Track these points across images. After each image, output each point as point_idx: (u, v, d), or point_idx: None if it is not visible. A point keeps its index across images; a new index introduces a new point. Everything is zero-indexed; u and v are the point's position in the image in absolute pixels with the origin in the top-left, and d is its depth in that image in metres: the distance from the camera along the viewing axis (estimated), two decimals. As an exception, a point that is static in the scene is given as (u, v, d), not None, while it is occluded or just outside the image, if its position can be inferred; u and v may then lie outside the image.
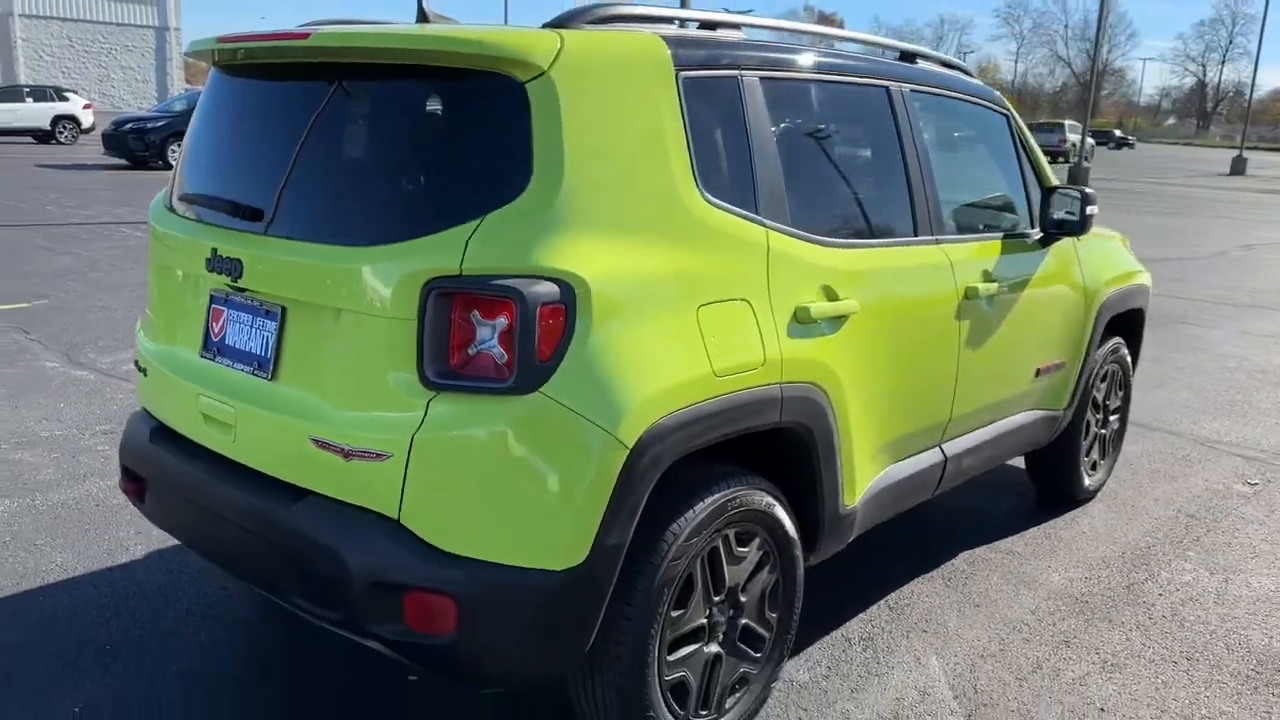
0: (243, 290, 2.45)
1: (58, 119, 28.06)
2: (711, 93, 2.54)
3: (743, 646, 2.68)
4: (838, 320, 2.76)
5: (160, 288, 2.79)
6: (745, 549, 2.63)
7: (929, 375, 3.22)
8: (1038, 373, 3.89)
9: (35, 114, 27.82)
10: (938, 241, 3.27)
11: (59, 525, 3.92)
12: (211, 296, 2.57)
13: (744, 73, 2.63)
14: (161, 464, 2.64)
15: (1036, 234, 3.85)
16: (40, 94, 28.60)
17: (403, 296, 2.13)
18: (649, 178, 2.34)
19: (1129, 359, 4.66)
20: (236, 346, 2.49)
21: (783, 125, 2.77)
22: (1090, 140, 48.66)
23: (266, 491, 2.34)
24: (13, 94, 28.37)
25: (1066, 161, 30.10)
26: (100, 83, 44.93)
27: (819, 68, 2.93)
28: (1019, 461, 4.81)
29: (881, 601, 3.58)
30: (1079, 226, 3.76)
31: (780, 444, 2.73)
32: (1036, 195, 3.89)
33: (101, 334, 6.97)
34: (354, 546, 2.16)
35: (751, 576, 2.68)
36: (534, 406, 2.12)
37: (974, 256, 3.42)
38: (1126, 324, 4.63)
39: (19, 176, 18.26)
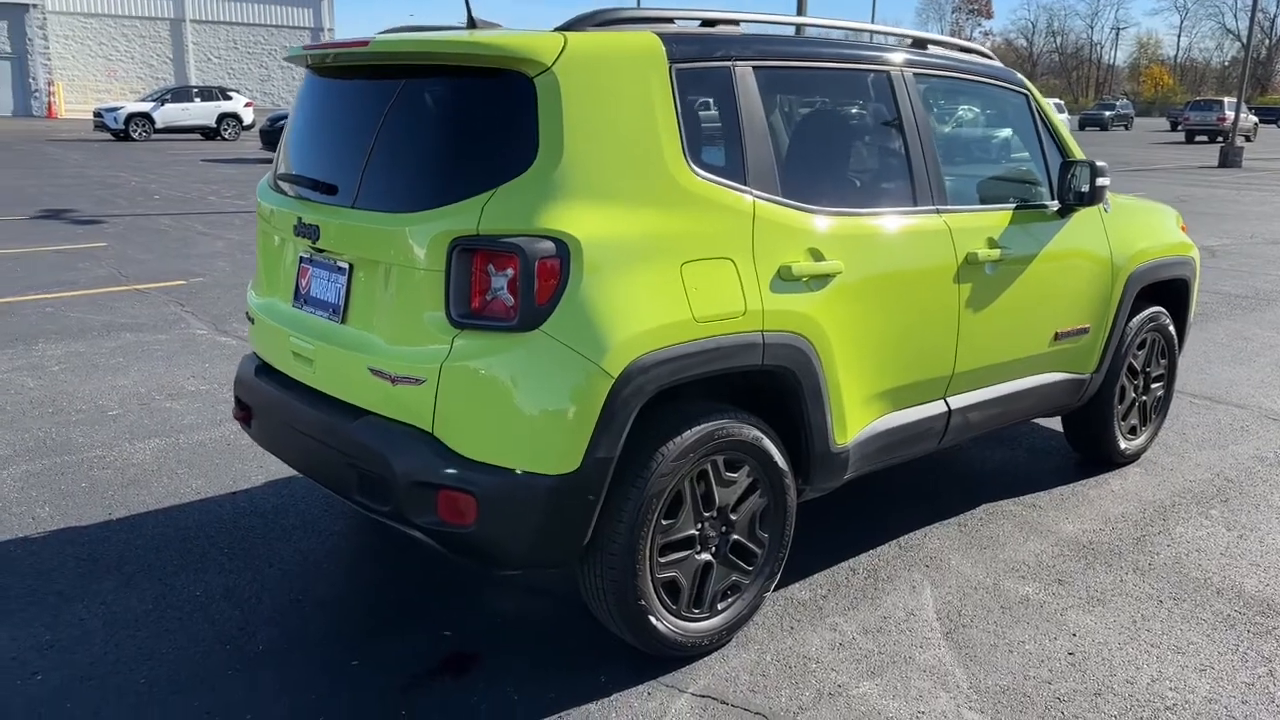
0: (321, 251, 3.03)
1: (222, 116, 30.39)
2: (704, 81, 2.98)
3: (734, 559, 3.11)
4: (823, 279, 3.15)
5: (264, 252, 3.42)
6: (735, 474, 3.06)
7: (926, 333, 3.55)
8: (1057, 336, 4.14)
9: (203, 112, 30.22)
10: (939, 211, 3.60)
11: (196, 459, 4.66)
12: (300, 257, 3.17)
13: (737, 63, 3.05)
14: (263, 394, 3.26)
15: (1055, 205, 4.10)
16: (207, 94, 31.02)
17: (434, 252, 2.66)
18: (640, 155, 2.79)
19: (1171, 328, 4.82)
20: (317, 297, 3.08)
21: (776, 108, 3.17)
22: (1252, 118, 45.93)
23: (336, 411, 2.92)
24: (184, 94, 30.85)
25: (1225, 140, 28.57)
26: (262, 82, 48.09)
27: (813, 56, 3.31)
28: (1059, 425, 5.03)
29: (893, 541, 3.93)
30: (1089, 197, 4.00)
31: (770, 386, 3.15)
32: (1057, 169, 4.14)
33: (245, 307, 7.86)
34: (398, 453, 2.71)
35: (742, 499, 3.10)
36: (535, 342, 2.61)
37: (978, 225, 3.73)
38: (1167, 294, 4.79)
39: (187, 169, 20.01)
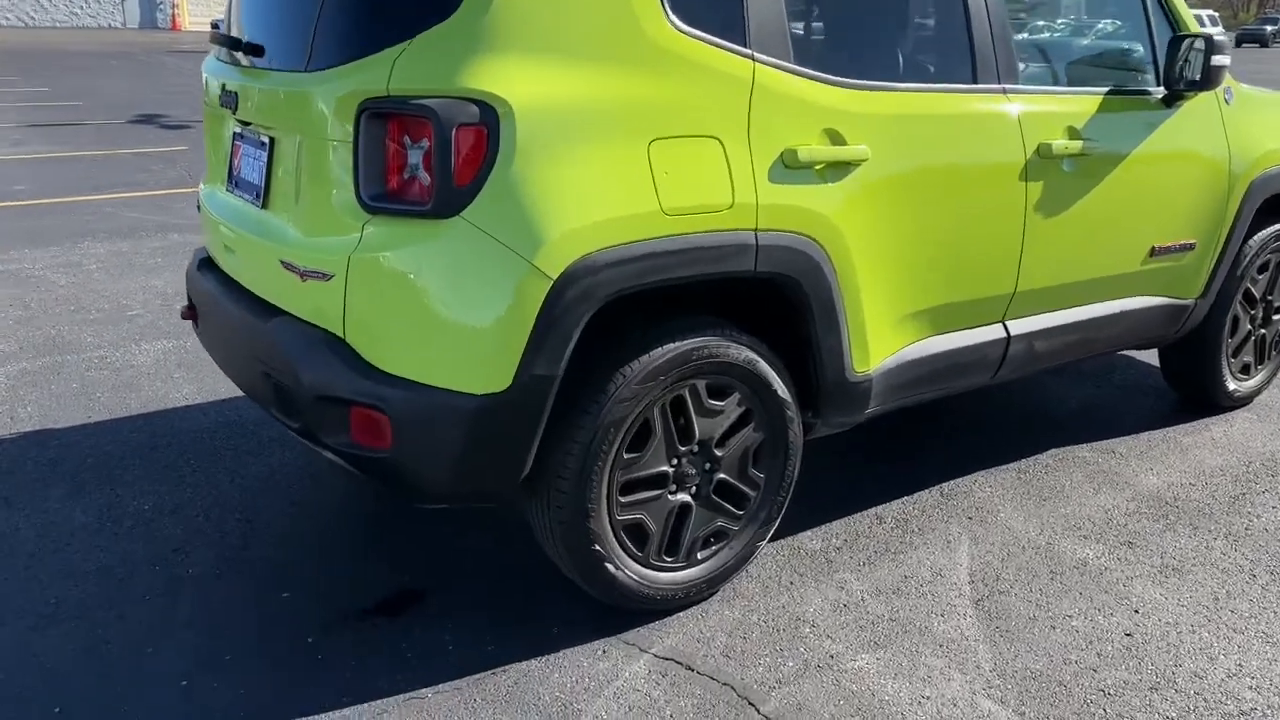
0: (247, 124, 2.61)
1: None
2: (693, -85, 2.40)
3: (719, 501, 2.63)
4: (843, 168, 2.57)
5: (208, 132, 3.02)
6: (721, 403, 2.56)
7: (980, 242, 2.94)
8: (1153, 252, 3.45)
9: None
10: (1004, 91, 2.95)
11: (197, 364, 4.39)
12: (233, 134, 2.76)
13: (739, -106, 2.46)
14: (202, 290, 2.90)
15: (1160, 92, 3.38)
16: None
17: (341, 118, 2.21)
18: (599, 1, 2.25)
19: (1303, 249, 4.03)
20: (245, 178, 2.67)
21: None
22: None
23: (256, 311, 2.52)
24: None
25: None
26: None
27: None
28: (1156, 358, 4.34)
29: (935, 487, 3.38)
30: (1202, 81, 3.26)
31: (771, 299, 2.62)
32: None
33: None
34: (306, 362, 2.30)
35: (731, 433, 2.61)
36: (454, 231, 2.15)
37: (1056, 111, 3.06)
38: (1301, 209, 4.00)
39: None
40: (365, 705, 2.28)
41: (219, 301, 2.73)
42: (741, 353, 2.53)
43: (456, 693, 2.33)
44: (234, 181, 2.75)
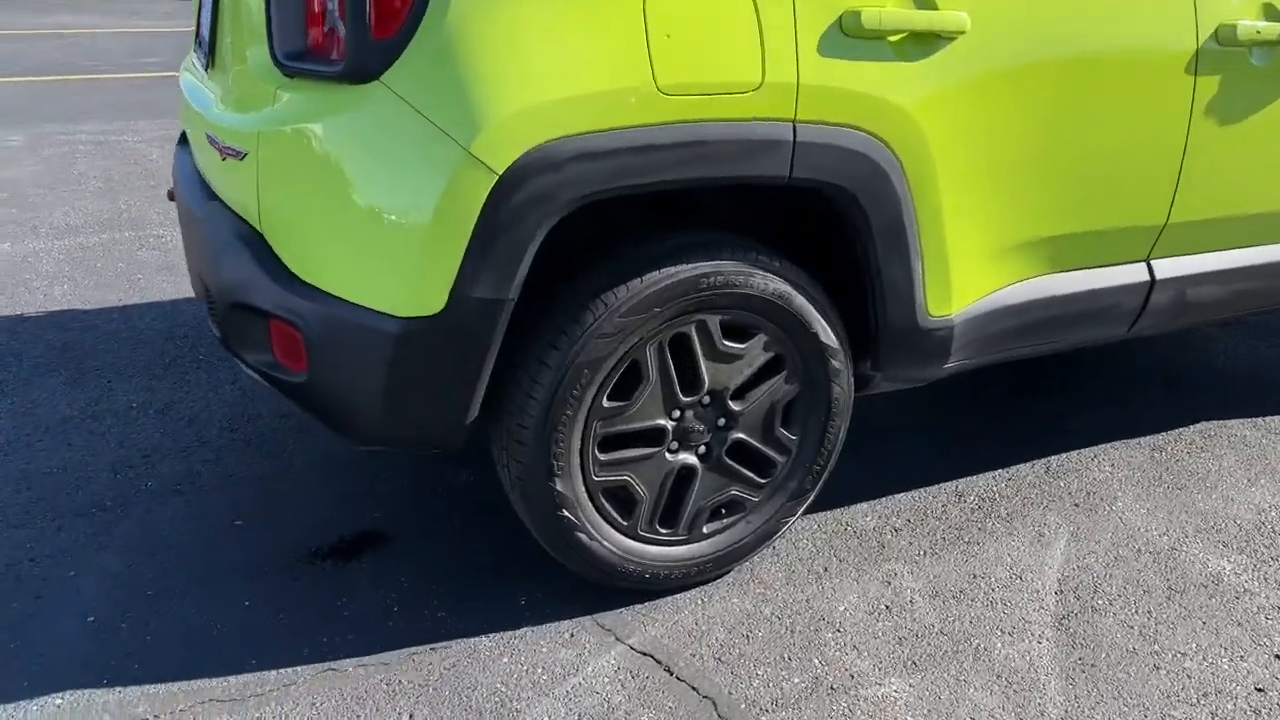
0: (204, -28, 2.19)
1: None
2: None
3: (734, 465, 2.11)
4: (929, 41, 1.94)
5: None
6: (739, 345, 2.02)
7: (1122, 154, 2.24)
8: (1369, 183, 2.63)
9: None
10: (1175, -47, 2.19)
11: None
12: (201, -12, 2.34)
13: None
14: (174, 173, 2.54)
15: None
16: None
17: (254, -45, 1.74)
18: None
19: None
20: (203, 36, 2.26)
21: None
22: None
23: (196, 196, 2.14)
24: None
25: None
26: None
27: None
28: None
29: (1040, 460, 2.74)
30: None
31: (815, 213, 2.03)
32: None
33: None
34: (221, 260, 1.90)
35: (754, 383, 2.07)
36: (372, 102, 1.67)
37: (1249, -16, 2.28)
38: None
39: None
40: (274, 672, 1.93)
41: (177, 183, 2.36)
42: (770, 283, 1.97)
43: (382, 669, 1.94)
44: (198, 42, 2.34)
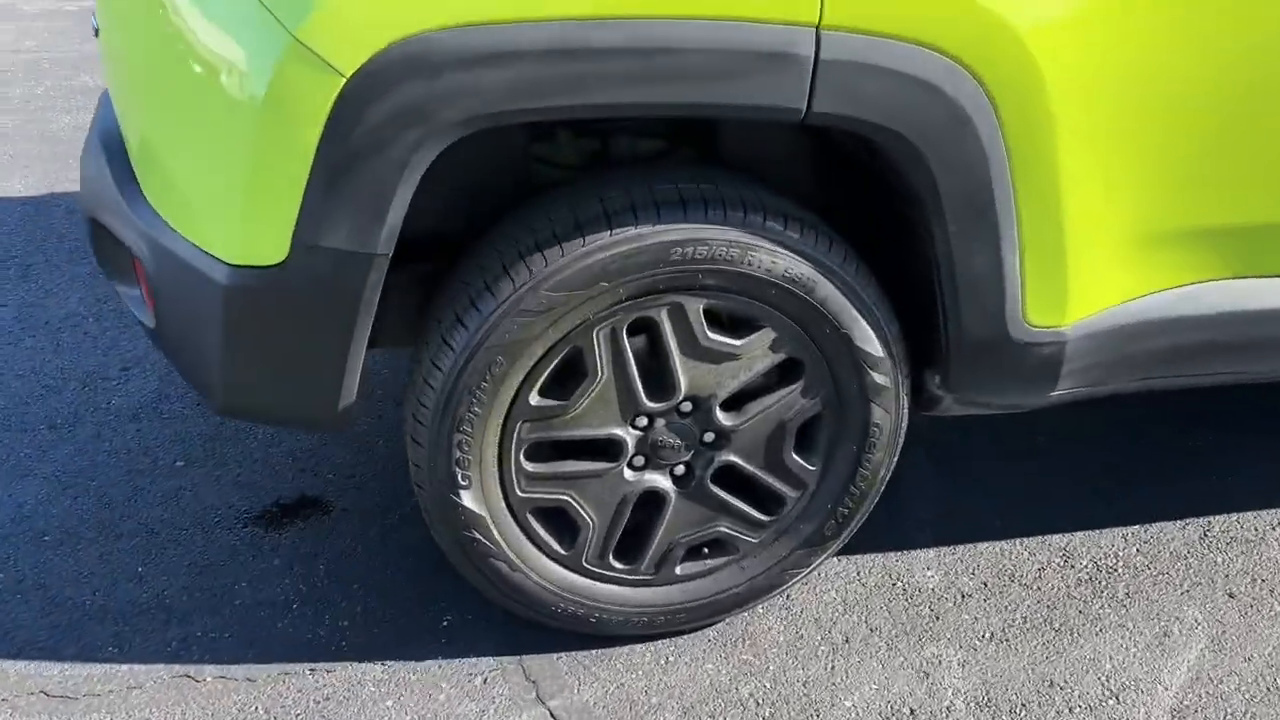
0: None
1: None
2: None
3: (722, 495, 1.58)
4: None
5: None
6: (734, 341, 1.47)
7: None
8: None
9: None
10: None
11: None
12: None
13: None
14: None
15: None
16: None
17: None
18: None
19: None
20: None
21: None
22: None
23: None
24: None
25: None
26: None
27: None
28: None
29: (1195, 522, 2.01)
30: None
31: (862, 166, 1.43)
32: None
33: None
34: (84, 162, 1.52)
35: (757, 393, 1.52)
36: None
37: None
38: None
39: None
40: (125, 668, 1.61)
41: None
42: (781, 262, 1.40)
43: (244, 687, 1.58)
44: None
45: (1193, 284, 1.58)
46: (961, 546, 1.93)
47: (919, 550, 1.91)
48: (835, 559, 1.86)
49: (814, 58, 1.24)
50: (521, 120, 1.25)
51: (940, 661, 1.68)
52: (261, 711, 1.54)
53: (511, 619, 1.70)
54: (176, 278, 1.35)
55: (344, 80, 1.16)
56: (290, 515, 1.93)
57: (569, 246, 1.34)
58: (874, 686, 1.63)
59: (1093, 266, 1.50)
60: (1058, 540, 1.95)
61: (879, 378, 1.52)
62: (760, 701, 1.59)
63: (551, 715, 1.56)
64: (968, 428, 2.24)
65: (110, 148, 1.46)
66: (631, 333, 1.44)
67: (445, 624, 1.71)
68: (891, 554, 1.90)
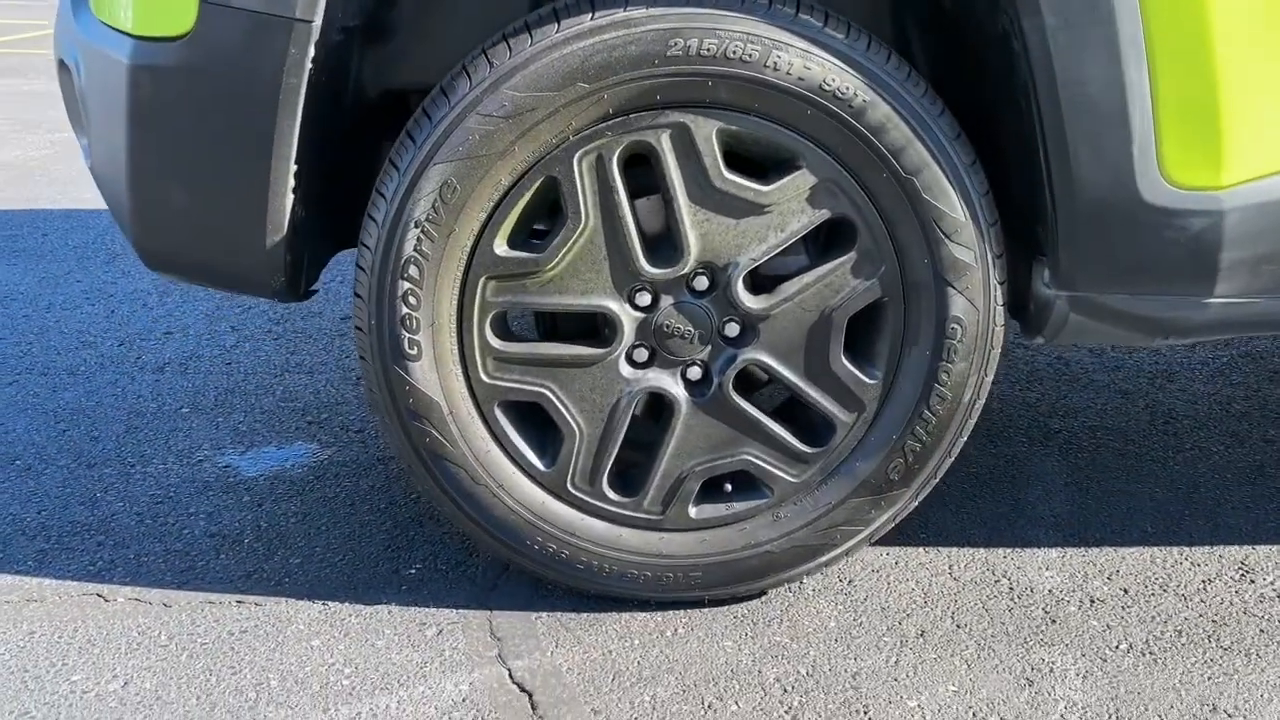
0: None
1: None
2: None
3: (747, 409, 1.21)
4: None
5: None
6: (760, 185, 1.14)
7: None
8: None
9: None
10: None
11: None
12: None
13: None
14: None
15: None
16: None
17: None
18: None
19: None
20: None
21: None
22: None
23: None
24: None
25: None
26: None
27: None
28: None
29: None
30: None
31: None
32: None
33: None
34: (57, 21, 1.39)
35: (799, 268, 1.17)
36: None
37: None
38: None
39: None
40: (35, 580, 1.37)
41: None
42: (820, 69, 1.08)
43: (156, 611, 1.30)
44: None
45: None
46: (1095, 550, 1.46)
47: (1037, 549, 1.46)
48: (919, 546, 1.45)
49: None
50: None
51: (1052, 669, 1.22)
52: (165, 637, 1.25)
53: (493, 576, 1.37)
54: (97, 76, 1.16)
55: None
56: (278, 461, 1.68)
57: (540, 34, 1.07)
58: (952, 688, 1.18)
59: (1265, 103, 1.09)
60: (1233, 553, 1.46)
61: (959, 251, 1.14)
62: (788, 688, 1.17)
63: (511, 677, 1.19)
64: (1105, 424, 1.79)
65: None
66: (629, 170, 1.14)
67: (411, 573, 1.39)
68: (999, 550, 1.46)
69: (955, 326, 1.17)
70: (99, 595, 1.34)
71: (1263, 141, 1.11)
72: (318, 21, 1.05)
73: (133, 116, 1.10)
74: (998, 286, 1.18)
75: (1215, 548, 1.46)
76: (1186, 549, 1.46)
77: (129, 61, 1.08)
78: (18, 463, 1.67)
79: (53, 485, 1.61)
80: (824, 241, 1.21)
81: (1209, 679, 1.20)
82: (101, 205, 3.21)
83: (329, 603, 1.32)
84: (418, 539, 1.46)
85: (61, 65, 1.33)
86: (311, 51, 1.06)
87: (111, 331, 2.22)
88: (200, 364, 2.05)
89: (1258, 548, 1.46)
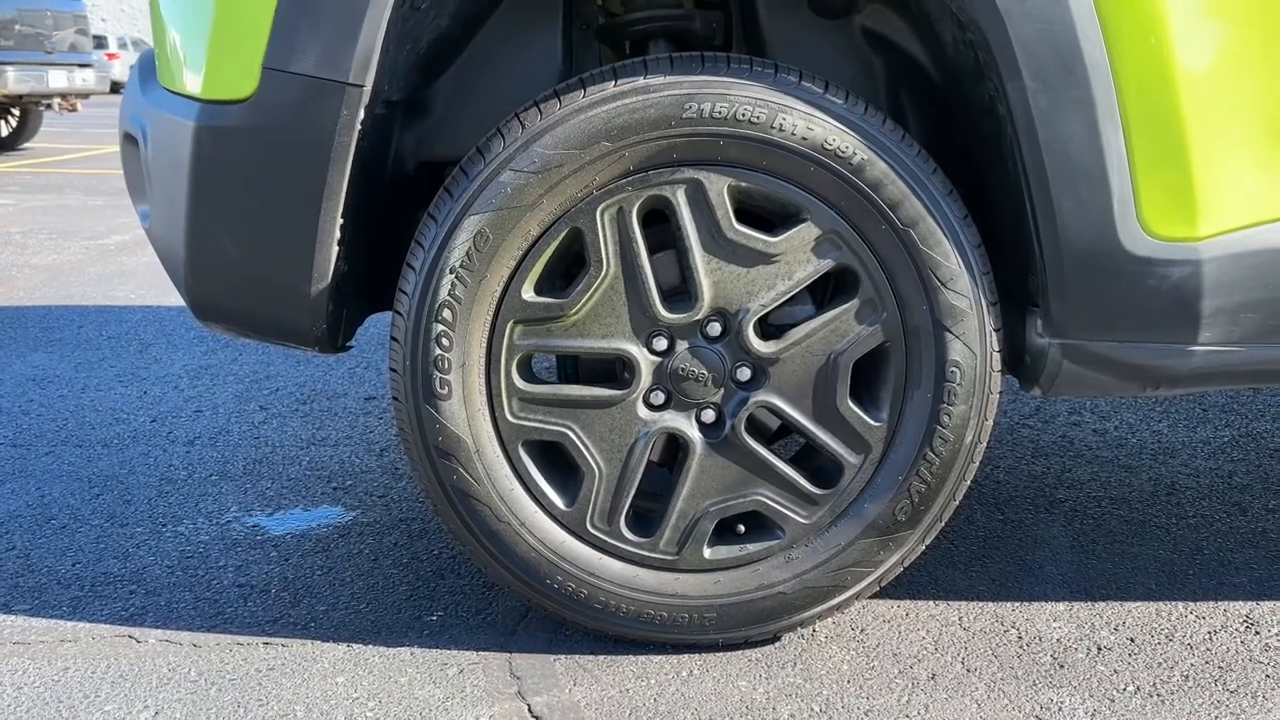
0: None
1: None
2: None
3: (760, 450, 1.28)
4: None
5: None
6: (768, 237, 1.23)
7: None
8: None
9: None
10: None
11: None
12: None
13: None
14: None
15: None
16: None
17: None
18: None
19: None
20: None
21: None
22: None
23: None
24: None
25: None
26: None
27: None
28: None
29: None
30: None
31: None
32: None
33: None
34: (125, 94, 1.52)
35: (806, 316, 1.26)
36: None
37: None
38: None
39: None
40: (70, 623, 1.40)
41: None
42: (818, 129, 1.18)
43: (188, 653, 1.33)
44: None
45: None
46: (1102, 603, 1.49)
47: (1044, 602, 1.49)
48: (929, 600, 1.48)
49: None
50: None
51: (1061, 708, 1.24)
52: (194, 674, 1.29)
53: (512, 621, 1.40)
54: (161, 142, 1.27)
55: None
56: (305, 522, 1.74)
57: (568, 99, 1.18)
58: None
59: (1233, 159, 1.19)
60: (1237, 607, 1.48)
61: (954, 298, 1.22)
62: (801, 723, 1.20)
63: (530, 711, 1.22)
64: (1109, 494, 1.84)
65: (144, 67, 1.46)
66: (648, 224, 1.24)
67: (433, 619, 1.42)
68: (1007, 603, 1.49)
69: (954, 370, 1.25)
70: (131, 637, 1.38)
71: (1235, 196, 1.20)
72: (368, 86, 1.16)
73: (195, 174, 1.21)
74: (993, 332, 1.25)
75: (1220, 602, 1.49)
76: (1192, 603, 1.49)
77: (195, 123, 1.19)
78: (53, 521, 1.73)
79: (86, 541, 1.66)
80: (830, 289, 1.29)
81: (1216, 719, 1.22)
82: (134, 300, 3.37)
83: (353, 645, 1.36)
84: (440, 589, 1.50)
85: (127, 138, 1.45)
86: (361, 114, 1.17)
87: (144, 410, 2.30)
88: (230, 438, 2.13)
89: (1262, 603, 1.49)
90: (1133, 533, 1.71)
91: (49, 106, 8.67)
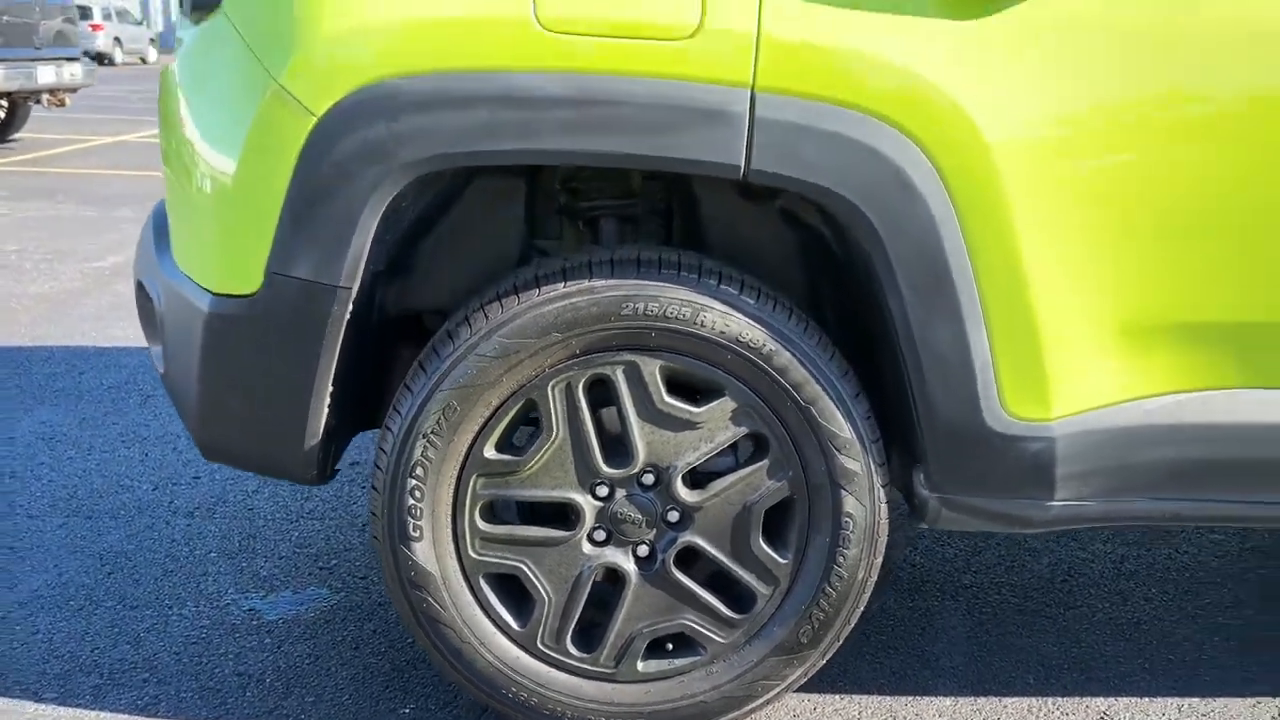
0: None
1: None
2: None
3: (685, 583, 1.51)
4: None
5: None
6: (691, 409, 1.46)
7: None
8: None
9: None
10: None
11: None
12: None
13: None
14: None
15: None
16: None
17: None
18: None
19: None
20: None
21: None
22: None
23: None
24: None
25: None
26: None
27: None
28: None
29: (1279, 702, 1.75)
30: None
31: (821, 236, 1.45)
32: None
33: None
34: (140, 245, 1.73)
35: (722, 471, 1.48)
36: (212, 28, 1.42)
37: None
38: None
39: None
40: (92, 713, 1.63)
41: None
42: (733, 325, 1.40)
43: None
44: None
45: (1202, 390, 1.46)
46: (983, 699, 1.73)
47: (934, 697, 1.73)
48: (834, 694, 1.72)
49: (749, 116, 1.30)
50: (472, 163, 1.35)
51: (932, 805, 1.48)
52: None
53: (473, 715, 1.64)
54: (176, 312, 1.48)
55: (314, 120, 1.30)
56: (294, 606, 1.96)
57: (525, 296, 1.40)
58: (846, 820, 1.45)
59: (1077, 356, 1.42)
60: (1097, 704, 1.73)
61: (848, 461, 1.45)
62: (712, 818, 1.44)
63: (485, 805, 1.46)
64: (1010, 580, 2.08)
65: (158, 223, 1.67)
66: (594, 397, 1.46)
67: (405, 712, 1.66)
68: (902, 698, 1.73)
69: (848, 520, 1.48)
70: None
71: (1082, 385, 1.43)
72: (355, 286, 1.38)
73: (205, 350, 1.42)
74: (881, 489, 1.48)
75: (1083, 699, 1.74)
76: (1059, 699, 1.73)
77: (206, 310, 1.41)
78: (71, 603, 1.95)
79: (102, 625, 1.88)
80: (749, 448, 1.52)
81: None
82: (134, 343, 3.56)
83: (337, 736, 1.59)
84: (412, 681, 1.73)
85: (141, 288, 1.66)
86: (350, 307, 1.39)
87: (146, 475, 2.51)
88: (226, 509, 2.34)
89: (1119, 699, 1.74)
90: (1024, 623, 1.96)
91: (38, 102, 8.79)
